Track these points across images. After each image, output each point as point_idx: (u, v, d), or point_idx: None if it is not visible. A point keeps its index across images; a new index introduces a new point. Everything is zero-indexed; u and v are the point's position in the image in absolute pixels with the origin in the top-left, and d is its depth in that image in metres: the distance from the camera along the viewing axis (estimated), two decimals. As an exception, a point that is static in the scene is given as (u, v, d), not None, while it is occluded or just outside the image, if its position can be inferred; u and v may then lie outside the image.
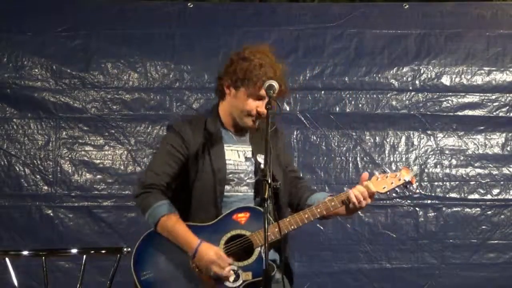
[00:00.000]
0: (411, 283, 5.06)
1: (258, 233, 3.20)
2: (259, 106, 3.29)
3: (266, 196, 2.90)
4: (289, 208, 3.46)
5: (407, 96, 5.22)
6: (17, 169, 5.17)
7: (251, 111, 3.30)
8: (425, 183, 5.12)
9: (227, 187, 3.31)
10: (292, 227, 3.21)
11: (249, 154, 3.38)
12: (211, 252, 3.19)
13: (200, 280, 3.22)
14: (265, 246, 2.89)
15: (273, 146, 3.28)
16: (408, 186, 3.33)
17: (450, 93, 5.21)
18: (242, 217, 3.23)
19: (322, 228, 4.99)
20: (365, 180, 3.24)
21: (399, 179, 3.26)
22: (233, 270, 3.17)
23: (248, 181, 3.35)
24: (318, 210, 3.23)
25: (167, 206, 3.31)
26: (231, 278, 3.16)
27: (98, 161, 5.21)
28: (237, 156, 3.37)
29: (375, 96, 5.22)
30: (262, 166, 3.27)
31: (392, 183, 3.26)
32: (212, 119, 3.41)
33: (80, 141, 5.22)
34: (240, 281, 3.16)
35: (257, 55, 3.32)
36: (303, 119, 5.17)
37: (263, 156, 3.24)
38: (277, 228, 3.14)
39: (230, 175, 3.31)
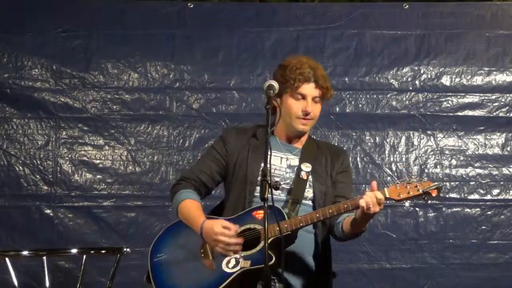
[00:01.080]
0: (411, 283, 5.06)
1: (268, 227, 3.20)
2: (305, 106, 3.39)
3: (266, 196, 2.94)
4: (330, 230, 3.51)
5: (407, 96, 5.22)
6: (17, 169, 5.17)
7: (297, 112, 3.39)
8: (425, 183, 5.12)
9: (258, 189, 3.33)
10: (301, 224, 3.24)
11: (294, 163, 3.45)
12: (217, 225, 3.25)
13: (202, 263, 3.30)
14: (265, 244, 2.94)
15: (327, 164, 3.48)
16: (426, 198, 3.21)
17: (450, 93, 5.21)
18: (261, 213, 3.28)
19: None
20: (374, 188, 3.20)
21: (418, 190, 3.18)
22: (235, 258, 3.22)
23: (283, 186, 3.39)
24: (330, 210, 3.25)
25: (188, 193, 3.45)
26: (231, 264, 3.22)
27: (98, 161, 5.21)
28: (279, 162, 3.43)
29: (375, 96, 5.22)
30: (302, 174, 3.39)
31: (409, 192, 3.19)
32: (264, 129, 3.43)
33: (80, 141, 5.22)
34: (237, 268, 3.20)
35: (293, 60, 3.43)
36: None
37: (308, 165, 3.42)
38: (286, 225, 3.21)
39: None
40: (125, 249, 4.22)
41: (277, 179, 3.36)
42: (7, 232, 5.10)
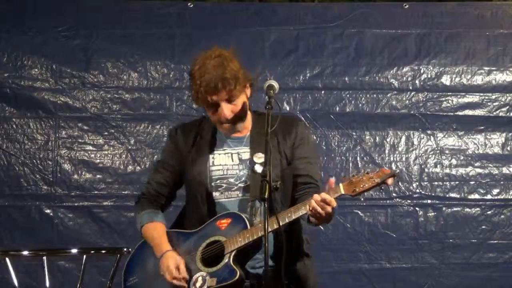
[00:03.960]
0: (411, 283, 5.06)
1: (230, 239, 3.13)
2: (219, 114, 3.19)
3: (266, 196, 2.86)
4: None
5: (407, 96, 5.22)
6: (17, 168, 5.18)
7: (217, 122, 3.24)
8: (425, 183, 5.12)
9: (216, 194, 3.25)
10: (261, 232, 3.06)
11: (246, 156, 3.27)
12: (171, 262, 3.17)
13: (172, 284, 3.19)
14: (266, 246, 2.86)
15: (279, 143, 3.25)
16: (382, 187, 3.09)
17: (450, 93, 5.21)
18: (224, 223, 3.18)
19: (322, 228, 4.98)
20: (331, 185, 3.03)
21: (373, 181, 3.03)
22: (202, 276, 3.13)
23: (240, 185, 3.24)
24: (290, 215, 3.08)
25: (148, 215, 3.35)
26: (198, 284, 3.12)
27: (98, 160, 5.21)
28: (230, 159, 3.28)
29: (375, 96, 5.22)
30: (256, 167, 3.18)
31: (363, 186, 3.02)
32: (208, 123, 3.36)
33: (80, 140, 5.22)
34: (205, 287, 3.10)
35: (196, 66, 3.21)
36: (303, 119, 5.16)
37: (260, 155, 3.18)
38: (248, 234, 3.08)
39: (218, 181, 3.25)
40: (125, 249, 4.20)
41: (231, 179, 3.23)
42: (7, 232, 5.11)
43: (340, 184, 3.04)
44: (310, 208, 2.98)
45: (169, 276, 3.15)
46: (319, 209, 2.96)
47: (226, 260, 3.11)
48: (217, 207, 3.25)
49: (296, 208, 3.08)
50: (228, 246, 3.12)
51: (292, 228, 3.25)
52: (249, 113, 3.32)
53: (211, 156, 3.29)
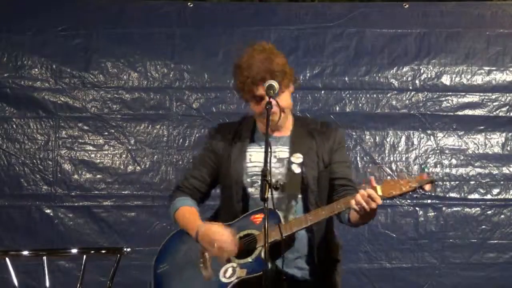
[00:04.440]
0: (411, 283, 5.06)
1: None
2: (263, 106, 3.23)
3: (266, 196, 2.90)
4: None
5: (407, 96, 5.22)
6: (17, 168, 5.17)
7: (260, 115, 3.28)
8: (425, 183, 5.12)
9: (251, 190, 3.28)
10: (296, 228, 3.15)
11: (283, 155, 3.31)
12: (213, 227, 3.19)
13: (201, 273, 3.22)
14: (265, 246, 2.89)
15: (318, 147, 3.32)
16: (419, 191, 3.12)
17: (450, 93, 5.21)
18: (258, 217, 3.21)
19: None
20: (373, 183, 3.09)
21: (410, 186, 3.07)
22: (232, 267, 3.16)
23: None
24: (323, 212, 3.16)
25: (183, 201, 3.40)
26: (228, 274, 3.15)
27: (98, 160, 5.21)
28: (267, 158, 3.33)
29: (375, 95, 5.22)
30: (294, 167, 3.26)
31: (401, 189, 3.08)
32: (247, 123, 3.41)
33: (80, 140, 5.22)
34: (234, 277, 3.13)
35: (243, 58, 3.28)
36: (302, 119, 5.16)
37: (298, 155, 3.28)
38: (287, 228, 3.13)
39: (254, 177, 3.27)
40: (125, 249, 4.20)
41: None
42: (7, 232, 5.10)
43: (377, 186, 3.08)
44: (356, 203, 3.03)
45: (220, 236, 3.15)
46: (364, 204, 3.02)
47: (257, 253, 3.14)
48: (251, 202, 3.28)
49: (330, 207, 3.16)
50: (260, 240, 3.15)
51: (325, 233, 3.35)
52: (289, 115, 3.38)
53: (248, 153, 3.34)
